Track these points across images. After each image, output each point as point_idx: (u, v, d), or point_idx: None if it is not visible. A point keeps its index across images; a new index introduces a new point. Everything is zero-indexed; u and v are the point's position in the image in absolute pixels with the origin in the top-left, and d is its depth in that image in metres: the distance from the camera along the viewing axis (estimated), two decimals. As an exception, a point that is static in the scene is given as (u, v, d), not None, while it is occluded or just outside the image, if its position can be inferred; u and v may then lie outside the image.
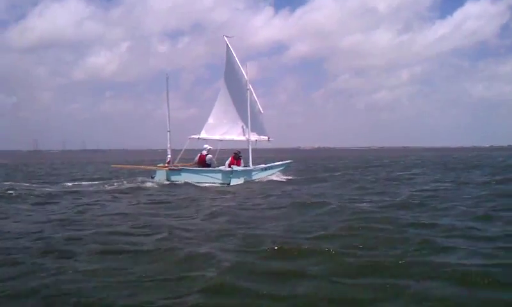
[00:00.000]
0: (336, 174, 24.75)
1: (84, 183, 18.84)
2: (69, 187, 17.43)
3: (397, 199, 12.57)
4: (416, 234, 7.60)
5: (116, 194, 14.86)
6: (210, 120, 21.40)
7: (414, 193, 14.27)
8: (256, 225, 8.88)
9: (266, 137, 21.33)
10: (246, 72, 21.02)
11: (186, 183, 18.33)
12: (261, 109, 21.19)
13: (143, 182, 18.25)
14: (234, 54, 21.38)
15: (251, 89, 20.90)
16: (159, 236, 7.68)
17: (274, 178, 20.46)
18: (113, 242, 7.35)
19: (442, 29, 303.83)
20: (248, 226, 8.79)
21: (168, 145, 20.16)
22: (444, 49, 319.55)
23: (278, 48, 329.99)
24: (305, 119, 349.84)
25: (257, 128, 21.14)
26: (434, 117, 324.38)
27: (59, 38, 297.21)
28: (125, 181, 18.39)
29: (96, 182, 18.90)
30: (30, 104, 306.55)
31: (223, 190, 16.46)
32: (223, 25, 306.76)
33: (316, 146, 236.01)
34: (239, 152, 20.08)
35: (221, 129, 21.31)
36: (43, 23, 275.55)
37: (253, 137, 20.96)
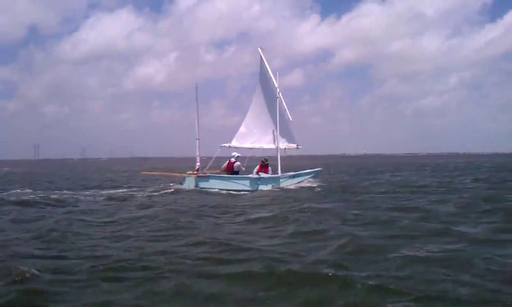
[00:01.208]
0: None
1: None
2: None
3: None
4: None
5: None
6: (242, 129, 21.80)
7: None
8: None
9: (295, 145, 21.39)
10: (277, 81, 21.27)
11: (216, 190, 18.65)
12: (290, 117, 21.31)
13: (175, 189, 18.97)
14: (267, 65, 21.76)
15: (281, 97, 21.11)
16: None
17: (306, 183, 20.44)
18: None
19: (492, 32, 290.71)
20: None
21: (197, 153, 20.60)
22: (494, 53, 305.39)
23: (324, 55, 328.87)
24: (351, 125, 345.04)
25: (286, 135, 21.29)
26: (485, 122, 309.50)
27: (110, 49, 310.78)
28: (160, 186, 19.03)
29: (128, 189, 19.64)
30: (81, 114, 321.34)
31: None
32: (269, 33, 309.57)
33: (363, 152, 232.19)
34: (266, 160, 20.24)
35: (252, 138, 21.61)
36: (94, 36, 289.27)
37: (282, 145, 21.09)
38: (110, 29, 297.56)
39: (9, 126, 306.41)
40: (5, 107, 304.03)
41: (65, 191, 18.72)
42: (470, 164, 53.98)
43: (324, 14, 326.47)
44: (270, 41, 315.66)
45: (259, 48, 22.16)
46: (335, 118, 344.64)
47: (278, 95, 20.99)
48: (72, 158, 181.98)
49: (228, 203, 14.75)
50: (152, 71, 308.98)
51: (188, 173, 20.33)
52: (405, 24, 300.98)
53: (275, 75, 21.40)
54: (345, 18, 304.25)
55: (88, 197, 16.20)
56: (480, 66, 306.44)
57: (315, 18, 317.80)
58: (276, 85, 21.15)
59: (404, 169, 43.81)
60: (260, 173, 19.57)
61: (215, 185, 19.24)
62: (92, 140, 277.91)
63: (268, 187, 19.28)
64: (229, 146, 21.23)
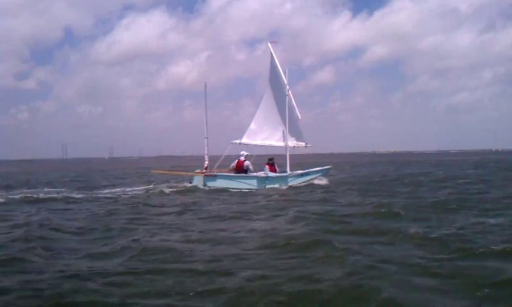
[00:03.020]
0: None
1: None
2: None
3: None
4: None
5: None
6: (252, 126, 21.62)
7: None
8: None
9: (303, 143, 21.12)
10: (286, 78, 21.00)
11: (224, 189, 18.64)
12: (299, 115, 21.05)
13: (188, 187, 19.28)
14: (277, 61, 21.49)
15: (291, 94, 20.85)
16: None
17: (316, 181, 20.20)
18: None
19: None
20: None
21: (206, 151, 20.66)
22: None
23: (355, 51, 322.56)
24: (382, 122, 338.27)
25: (295, 134, 21.04)
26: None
27: (143, 49, 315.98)
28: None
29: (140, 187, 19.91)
30: (113, 114, 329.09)
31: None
32: (300, 31, 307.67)
33: (392, 150, 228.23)
34: (272, 158, 20.08)
35: (262, 135, 21.43)
36: (128, 36, 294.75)
37: (291, 143, 20.86)
38: (143, 30, 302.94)
39: (43, 126, 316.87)
40: (40, 108, 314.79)
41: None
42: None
43: (356, 10, 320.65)
44: (301, 38, 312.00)
45: (269, 44, 21.96)
46: (365, 115, 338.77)
47: (287, 93, 20.74)
48: (103, 158, 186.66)
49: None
50: (184, 71, 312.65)
51: (196, 171, 20.39)
52: (438, 19, 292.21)
53: (284, 72, 21.17)
54: (377, 14, 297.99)
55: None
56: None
57: (346, 14, 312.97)
58: (286, 82, 20.91)
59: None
60: (265, 171, 19.45)
61: (222, 184, 19.21)
62: (121, 139, 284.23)
63: (276, 186, 19.08)
64: (240, 143, 21.10)
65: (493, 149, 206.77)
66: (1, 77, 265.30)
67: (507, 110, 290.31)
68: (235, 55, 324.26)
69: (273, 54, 21.55)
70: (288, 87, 20.79)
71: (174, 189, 18.68)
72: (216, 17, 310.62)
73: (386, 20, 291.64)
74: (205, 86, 21.52)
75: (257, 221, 10.52)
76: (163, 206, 13.69)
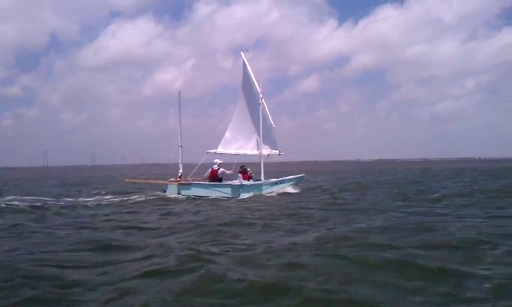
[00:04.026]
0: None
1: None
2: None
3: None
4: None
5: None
6: (227, 135, 21.79)
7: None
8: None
9: (277, 151, 21.38)
10: (259, 86, 21.26)
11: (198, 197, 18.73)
12: (273, 123, 21.32)
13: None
14: (250, 69, 21.72)
15: (264, 103, 21.08)
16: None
17: (288, 190, 20.51)
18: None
19: (510, 35, 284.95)
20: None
21: (180, 160, 20.79)
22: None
23: (340, 60, 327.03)
24: (367, 131, 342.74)
25: (269, 142, 21.28)
26: (502, 127, 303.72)
27: (129, 56, 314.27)
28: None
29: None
30: (97, 121, 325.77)
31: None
32: (287, 39, 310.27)
33: (376, 158, 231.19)
34: (243, 166, 20.37)
35: (236, 144, 21.62)
36: (115, 43, 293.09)
37: (265, 151, 21.10)
38: (130, 37, 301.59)
39: (26, 133, 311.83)
40: (24, 114, 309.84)
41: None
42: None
43: (342, 19, 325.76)
44: (287, 47, 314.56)
45: (242, 53, 22.10)
46: (350, 123, 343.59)
47: (260, 101, 20.97)
48: (86, 165, 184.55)
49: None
50: (170, 78, 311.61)
51: (170, 180, 20.44)
52: (422, 29, 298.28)
53: (257, 80, 21.43)
54: (362, 23, 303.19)
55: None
56: (497, 70, 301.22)
57: (332, 23, 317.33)
58: (259, 90, 21.16)
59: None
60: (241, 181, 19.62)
61: (197, 192, 19.30)
62: (104, 147, 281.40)
63: (250, 194, 19.26)
64: (215, 152, 21.27)
65: (476, 158, 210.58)
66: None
67: (491, 119, 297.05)
68: (221, 62, 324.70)
69: (246, 63, 21.76)
70: (261, 96, 21.06)
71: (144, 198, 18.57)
72: (203, 25, 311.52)
73: (371, 29, 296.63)
74: (179, 94, 21.70)
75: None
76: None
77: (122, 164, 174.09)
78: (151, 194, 19.53)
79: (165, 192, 19.74)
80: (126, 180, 25.12)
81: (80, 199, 18.29)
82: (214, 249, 7.93)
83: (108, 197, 19.21)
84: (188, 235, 9.69)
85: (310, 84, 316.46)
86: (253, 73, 21.55)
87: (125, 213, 14.35)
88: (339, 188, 24.02)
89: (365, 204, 15.57)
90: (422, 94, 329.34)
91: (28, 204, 16.34)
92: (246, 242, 8.74)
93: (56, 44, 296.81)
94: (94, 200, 18.05)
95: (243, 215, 13.18)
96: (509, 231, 9.47)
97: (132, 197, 18.59)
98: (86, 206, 16.07)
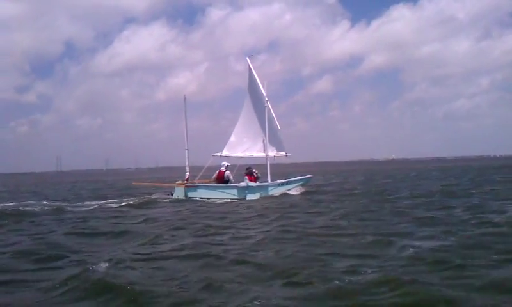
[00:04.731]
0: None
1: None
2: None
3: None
4: None
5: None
6: (232, 138, 22.09)
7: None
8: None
9: (284, 153, 21.59)
10: (265, 90, 21.53)
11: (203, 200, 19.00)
12: (278, 125, 21.60)
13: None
14: (255, 73, 22.07)
15: (269, 106, 21.36)
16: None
17: (294, 192, 20.66)
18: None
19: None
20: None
21: (187, 163, 21.14)
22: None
23: (353, 60, 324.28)
24: (381, 130, 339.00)
25: (276, 144, 21.53)
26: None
27: (143, 61, 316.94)
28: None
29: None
30: (111, 126, 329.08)
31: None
32: (299, 41, 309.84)
33: (391, 157, 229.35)
34: (249, 167, 20.61)
35: (242, 146, 21.92)
36: (129, 48, 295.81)
37: (272, 153, 21.33)
38: (144, 42, 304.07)
39: (41, 139, 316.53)
40: (39, 121, 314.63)
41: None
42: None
43: (354, 20, 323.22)
44: (300, 48, 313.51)
45: (247, 58, 22.54)
46: (364, 123, 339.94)
47: (266, 104, 21.24)
48: (101, 169, 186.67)
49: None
50: (183, 82, 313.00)
51: (177, 182, 20.77)
52: (435, 28, 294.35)
53: (262, 84, 21.70)
54: (375, 23, 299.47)
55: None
56: (511, 68, 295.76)
57: (345, 24, 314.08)
58: (264, 93, 21.42)
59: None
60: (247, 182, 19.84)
61: (203, 194, 19.62)
62: (119, 151, 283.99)
63: (256, 196, 19.47)
64: (220, 155, 21.57)
65: (492, 156, 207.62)
66: (2, 91, 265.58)
67: (505, 117, 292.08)
68: (234, 66, 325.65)
69: (251, 67, 22.18)
70: (267, 99, 21.31)
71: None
72: (216, 29, 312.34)
73: (384, 29, 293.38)
74: (185, 98, 22.00)
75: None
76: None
77: (136, 168, 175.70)
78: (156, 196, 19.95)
79: (172, 195, 20.08)
80: (134, 183, 25.57)
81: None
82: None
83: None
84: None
85: (323, 85, 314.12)
86: (263, 76, 22.14)
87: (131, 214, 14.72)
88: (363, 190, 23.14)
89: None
90: (435, 93, 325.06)
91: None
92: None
93: (71, 51, 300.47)
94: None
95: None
96: None
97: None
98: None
